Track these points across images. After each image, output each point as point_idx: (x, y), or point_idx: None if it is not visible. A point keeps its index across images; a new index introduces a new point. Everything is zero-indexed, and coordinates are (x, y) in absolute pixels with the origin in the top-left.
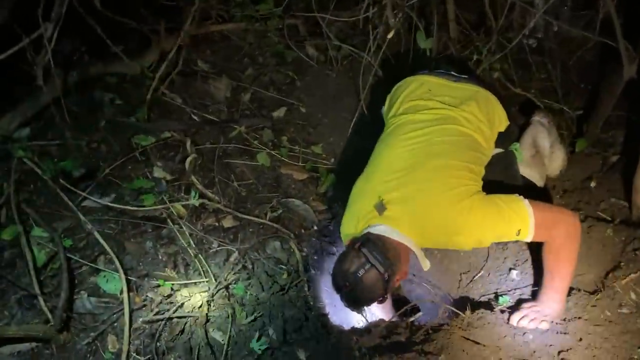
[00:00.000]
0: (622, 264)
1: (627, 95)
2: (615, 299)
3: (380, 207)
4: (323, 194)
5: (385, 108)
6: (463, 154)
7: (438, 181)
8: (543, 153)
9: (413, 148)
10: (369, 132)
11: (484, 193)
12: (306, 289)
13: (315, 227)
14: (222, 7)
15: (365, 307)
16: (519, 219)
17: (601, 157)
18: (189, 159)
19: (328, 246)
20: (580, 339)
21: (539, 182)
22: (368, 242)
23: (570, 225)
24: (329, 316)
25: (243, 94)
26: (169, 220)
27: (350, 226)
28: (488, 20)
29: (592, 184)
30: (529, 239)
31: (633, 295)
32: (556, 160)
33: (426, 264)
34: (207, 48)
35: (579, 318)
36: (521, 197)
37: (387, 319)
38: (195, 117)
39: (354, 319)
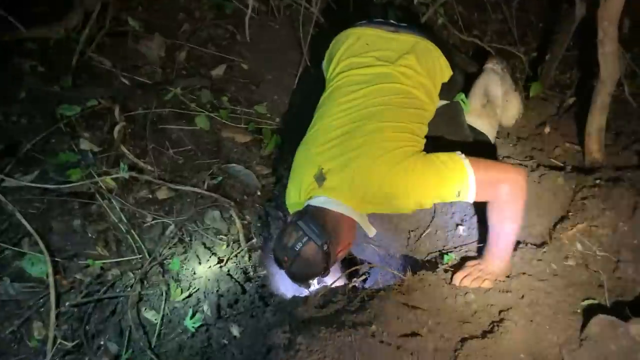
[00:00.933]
0: (570, 214)
1: (584, 35)
2: (562, 251)
3: (320, 178)
4: (267, 156)
5: (324, 64)
6: (401, 114)
7: (375, 145)
8: (495, 102)
9: (349, 112)
10: (315, 87)
11: (424, 153)
12: (247, 259)
13: (259, 193)
14: None
15: (311, 281)
16: (459, 180)
17: (558, 100)
18: (117, 128)
19: (273, 211)
20: (523, 296)
21: (490, 133)
22: (305, 214)
23: (514, 184)
24: (270, 286)
25: (178, 52)
26: (97, 195)
27: (294, 198)
28: None
29: (546, 130)
30: (470, 200)
31: (579, 247)
32: (510, 110)
33: (371, 231)
34: (137, 4)
35: (524, 274)
36: (462, 155)
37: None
38: (126, 81)
39: (299, 287)
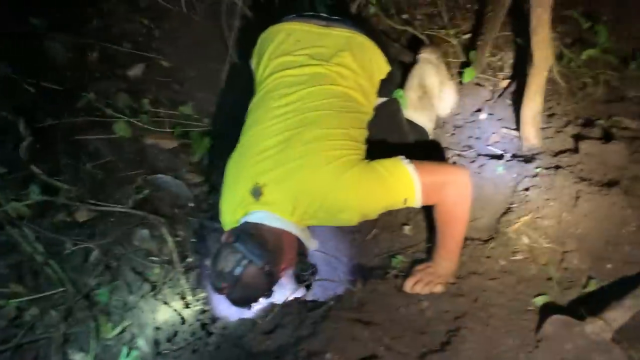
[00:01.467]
0: (514, 205)
1: (515, 16)
2: (509, 246)
3: (256, 192)
4: (197, 162)
5: (253, 63)
6: (341, 119)
7: (315, 155)
8: (432, 93)
9: (285, 119)
10: (244, 83)
11: (366, 161)
12: (183, 281)
13: (191, 204)
14: None
15: (254, 304)
16: (404, 188)
17: (491, 84)
18: (24, 144)
19: (209, 222)
20: (476, 299)
21: (429, 126)
22: (242, 234)
23: (460, 186)
24: (211, 309)
25: (89, 52)
26: (6, 224)
27: (228, 214)
28: None
29: (482, 116)
30: (417, 206)
31: (526, 240)
32: (447, 100)
33: (313, 244)
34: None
35: (474, 273)
36: (405, 160)
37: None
38: (30, 89)
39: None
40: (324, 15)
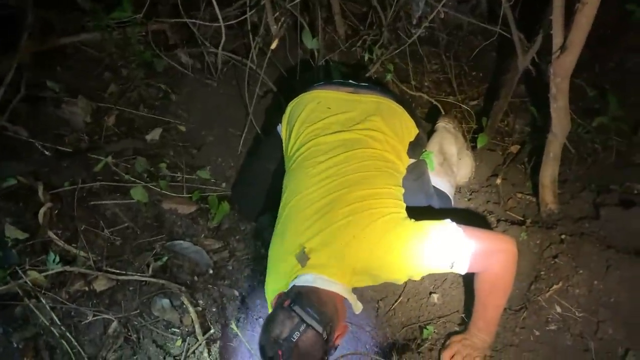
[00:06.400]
0: (542, 273)
1: (521, 82)
2: (542, 315)
3: (303, 257)
4: (216, 227)
5: (282, 131)
6: (380, 179)
7: (359, 214)
8: (451, 160)
9: (324, 184)
10: (262, 145)
11: (413, 221)
12: (206, 355)
13: (211, 271)
14: (69, 17)
15: None
16: (453, 251)
17: (501, 149)
18: (42, 210)
19: (228, 290)
20: None
21: (450, 191)
22: (299, 297)
23: (508, 254)
24: None
25: (107, 116)
26: (21, 293)
27: (274, 285)
28: (375, 13)
29: (498, 181)
30: (463, 272)
31: (558, 309)
32: (464, 167)
33: (358, 307)
34: (56, 64)
35: (511, 345)
36: (454, 223)
37: None
38: (48, 153)
39: None
40: (352, 82)
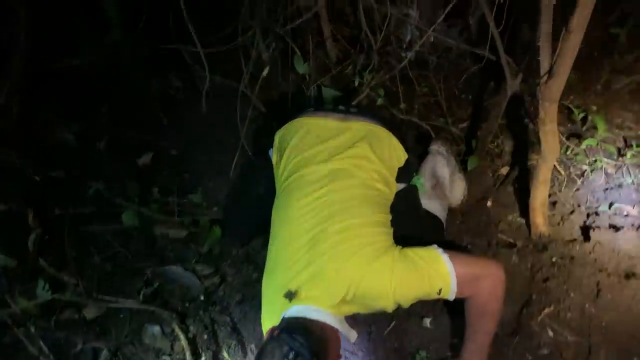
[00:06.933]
0: (534, 296)
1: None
2: (534, 339)
3: (290, 295)
4: (208, 252)
5: (273, 156)
6: (365, 208)
7: (345, 244)
8: (443, 183)
9: (310, 217)
10: (253, 169)
11: (399, 248)
12: None
13: (202, 297)
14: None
15: None
16: (440, 278)
17: (491, 171)
18: (32, 236)
19: (219, 316)
20: None
21: (442, 215)
22: (288, 326)
23: (495, 279)
24: None
25: (98, 140)
26: (10, 322)
27: (269, 322)
28: (365, 37)
29: (488, 204)
30: (451, 298)
31: (550, 333)
32: (457, 190)
33: (353, 336)
34: (48, 88)
35: None
36: (440, 250)
37: None
38: (37, 177)
39: None
40: (342, 108)
